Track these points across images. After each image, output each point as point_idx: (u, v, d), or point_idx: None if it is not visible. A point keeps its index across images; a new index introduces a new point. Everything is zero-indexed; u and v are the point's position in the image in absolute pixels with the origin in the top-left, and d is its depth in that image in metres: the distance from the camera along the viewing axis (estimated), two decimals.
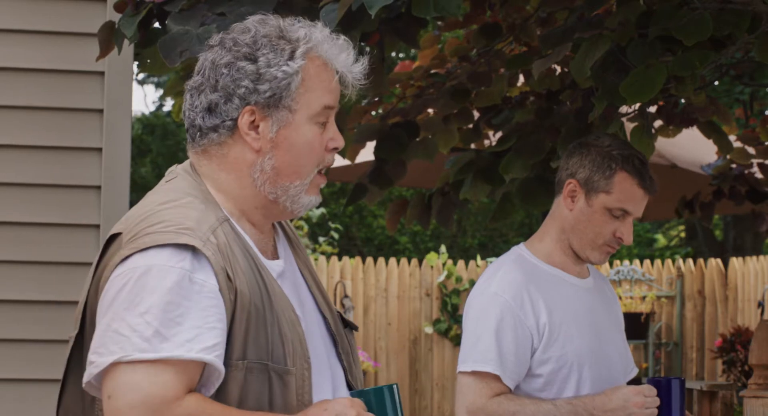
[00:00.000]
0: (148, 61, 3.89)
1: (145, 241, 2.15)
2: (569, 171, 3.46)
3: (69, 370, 2.29)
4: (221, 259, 2.17)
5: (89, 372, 2.12)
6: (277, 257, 2.36)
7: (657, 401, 3.25)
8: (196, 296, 2.12)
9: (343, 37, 2.34)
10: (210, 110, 2.28)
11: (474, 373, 3.33)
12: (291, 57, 2.26)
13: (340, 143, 2.33)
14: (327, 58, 2.30)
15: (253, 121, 2.26)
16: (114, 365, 2.08)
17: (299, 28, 2.30)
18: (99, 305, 2.17)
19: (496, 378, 3.31)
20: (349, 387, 2.41)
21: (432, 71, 5.15)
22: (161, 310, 2.09)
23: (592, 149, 3.43)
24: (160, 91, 23.98)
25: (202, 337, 2.10)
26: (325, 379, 2.32)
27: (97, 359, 2.10)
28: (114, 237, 2.23)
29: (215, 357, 2.11)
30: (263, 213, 2.32)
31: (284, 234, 2.45)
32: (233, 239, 2.23)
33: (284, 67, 2.25)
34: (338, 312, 2.47)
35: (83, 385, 2.16)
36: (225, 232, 2.22)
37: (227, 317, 2.15)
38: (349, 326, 2.47)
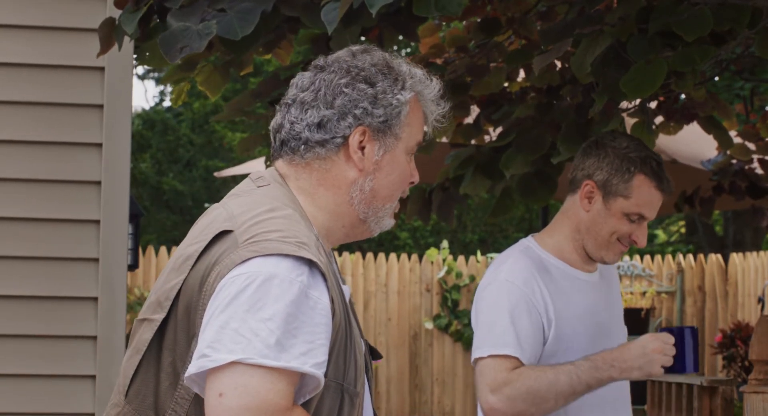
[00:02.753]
0: (147, 54, 3.88)
1: (267, 247, 2.18)
2: (586, 172, 3.44)
3: (146, 353, 2.28)
4: (330, 277, 2.22)
5: (200, 365, 2.12)
6: (343, 282, 2.42)
7: (674, 349, 3.23)
8: (309, 311, 2.15)
9: (435, 79, 2.44)
10: (320, 125, 2.35)
11: (491, 357, 3.30)
12: (403, 87, 2.37)
13: (417, 178, 2.44)
14: (422, 96, 2.41)
15: (362, 141, 2.34)
16: (232, 364, 2.09)
17: (401, 62, 2.41)
18: (211, 301, 2.18)
19: (515, 359, 3.28)
20: (374, 412, 2.46)
21: (429, 61, 5.13)
22: (283, 320, 2.12)
23: (609, 150, 3.41)
24: (161, 87, 23.98)
25: (314, 352, 2.14)
26: (368, 403, 2.39)
27: (212, 354, 2.10)
28: (223, 234, 2.25)
29: (322, 374, 2.15)
30: (347, 232, 2.40)
31: (335, 261, 2.50)
32: (327, 259, 2.29)
33: (398, 96, 2.36)
34: (365, 339, 2.51)
35: (186, 375, 2.16)
36: (321, 251, 2.27)
37: None
38: (374, 354, 2.52)
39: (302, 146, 2.35)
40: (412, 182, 2.43)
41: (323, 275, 2.19)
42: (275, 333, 2.10)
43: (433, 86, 2.41)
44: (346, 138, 2.33)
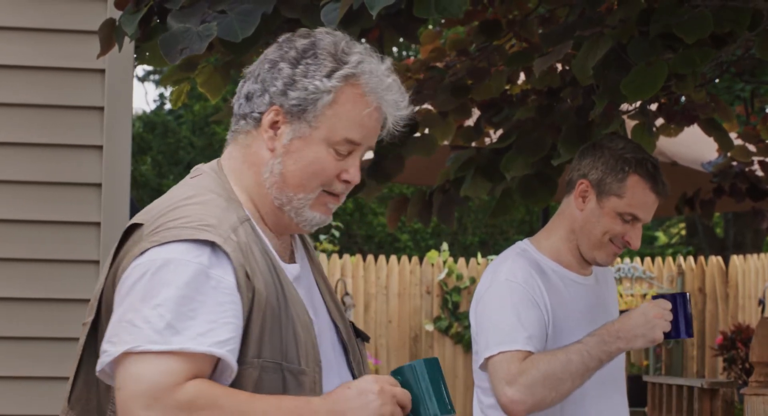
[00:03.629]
0: (147, 54, 3.88)
1: (165, 235, 2.16)
2: (581, 172, 3.45)
3: (83, 357, 2.29)
4: (241, 257, 2.18)
5: (102, 361, 2.13)
6: (294, 262, 2.38)
7: (671, 314, 3.28)
8: (211, 291, 2.13)
9: (394, 77, 2.32)
10: (248, 97, 2.32)
11: (501, 353, 3.28)
12: (329, 75, 2.27)
13: (354, 178, 2.32)
14: (369, 92, 2.29)
15: (277, 122, 2.29)
16: (125, 355, 2.09)
17: (356, 52, 2.30)
18: (115, 295, 2.18)
19: (526, 352, 3.27)
20: None
21: (430, 64, 5.14)
22: (175, 303, 2.10)
23: (605, 150, 3.42)
24: (162, 90, 23.97)
25: (215, 332, 2.10)
26: (335, 386, 2.31)
27: (109, 348, 2.11)
28: (134, 228, 2.25)
29: (227, 352, 2.11)
30: (274, 220, 2.34)
31: (302, 242, 2.47)
32: (253, 239, 2.25)
33: (317, 82, 2.26)
34: (351, 321, 2.47)
35: (97, 373, 2.17)
36: (245, 232, 2.24)
37: (244, 314, 2.16)
38: (361, 336, 2.48)
39: (233, 119, 2.35)
40: (347, 181, 2.31)
41: (227, 254, 2.15)
42: (165, 317, 2.08)
43: (390, 84, 2.30)
44: (261, 115, 2.30)
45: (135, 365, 2.08)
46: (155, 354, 2.07)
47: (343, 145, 2.29)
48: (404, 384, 2.23)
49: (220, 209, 2.23)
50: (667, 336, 3.30)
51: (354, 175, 2.31)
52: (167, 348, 2.07)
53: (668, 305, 3.29)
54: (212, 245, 2.15)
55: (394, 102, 2.32)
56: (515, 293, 3.34)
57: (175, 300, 2.10)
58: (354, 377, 2.39)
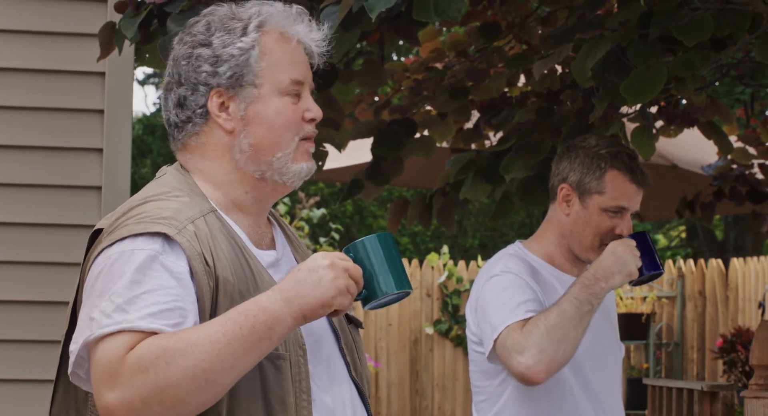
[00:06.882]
0: (147, 55, 3.89)
1: (121, 232, 2.18)
2: (560, 176, 3.51)
3: (60, 369, 2.30)
4: (198, 245, 2.18)
5: (70, 362, 2.15)
6: (273, 249, 2.37)
7: (638, 251, 3.35)
8: (164, 275, 2.13)
9: (296, 7, 2.35)
10: (180, 104, 2.33)
11: (505, 328, 3.30)
12: (244, 33, 2.29)
13: (318, 113, 2.34)
14: (283, 30, 2.32)
15: (223, 103, 2.30)
16: (87, 348, 2.11)
17: (250, 7, 2.33)
18: (82, 299, 2.20)
19: (525, 321, 3.29)
20: (354, 383, 2.38)
21: (429, 65, 5.14)
22: (126, 288, 2.11)
23: (579, 151, 3.48)
24: (161, 92, 23.97)
25: (165, 314, 2.10)
26: (323, 370, 2.31)
27: (73, 347, 2.14)
28: (97, 233, 2.26)
29: None
30: (255, 196, 2.34)
31: (282, 231, 2.46)
32: (218, 228, 2.25)
33: (239, 44, 2.29)
34: None
35: (69, 377, 2.19)
36: (209, 222, 2.24)
37: (208, 303, 2.17)
38: (354, 322, 2.45)
39: (175, 131, 2.35)
40: (313, 119, 2.33)
41: (180, 244, 2.15)
42: (116, 301, 2.09)
43: (294, 15, 2.33)
44: (205, 107, 2.30)
45: (94, 354, 2.09)
46: (107, 336, 2.07)
47: (292, 88, 2.31)
48: (357, 261, 2.21)
49: (180, 203, 2.24)
50: (640, 273, 3.36)
51: (316, 110, 2.34)
52: (116, 327, 2.07)
53: (633, 242, 3.36)
54: (165, 236, 2.16)
55: (306, 29, 2.35)
56: (512, 281, 3.38)
57: (125, 285, 2.11)
58: (346, 362, 2.38)
